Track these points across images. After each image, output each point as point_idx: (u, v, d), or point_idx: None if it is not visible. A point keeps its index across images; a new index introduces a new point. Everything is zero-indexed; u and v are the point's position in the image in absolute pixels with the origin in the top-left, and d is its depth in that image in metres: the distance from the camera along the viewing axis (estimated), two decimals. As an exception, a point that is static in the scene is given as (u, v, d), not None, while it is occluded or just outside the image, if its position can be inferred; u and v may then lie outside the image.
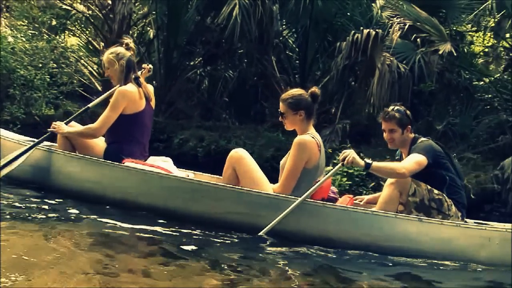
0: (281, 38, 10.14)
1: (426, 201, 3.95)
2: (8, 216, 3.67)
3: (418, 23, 7.55)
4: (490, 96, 9.16)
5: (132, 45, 4.72)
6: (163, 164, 4.48)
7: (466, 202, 4.15)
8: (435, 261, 3.72)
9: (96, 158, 4.42)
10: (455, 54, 7.57)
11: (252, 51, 9.85)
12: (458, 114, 8.90)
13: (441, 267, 3.69)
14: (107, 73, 4.71)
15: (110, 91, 4.76)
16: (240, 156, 4.13)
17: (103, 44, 11.11)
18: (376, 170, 3.93)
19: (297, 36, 10.06)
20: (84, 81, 10.84)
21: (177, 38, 9.99)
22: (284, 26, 10.38)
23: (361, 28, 7.72)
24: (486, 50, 10.45)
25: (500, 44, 9.77)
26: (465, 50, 9.70)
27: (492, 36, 10.01)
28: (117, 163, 4.30)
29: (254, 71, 10.52)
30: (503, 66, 10.06)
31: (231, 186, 4.07)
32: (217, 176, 4.76)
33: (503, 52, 9.77)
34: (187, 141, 8.90)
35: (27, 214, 3.79)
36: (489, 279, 3.60)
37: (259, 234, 3.86)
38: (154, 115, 8.52)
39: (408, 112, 4.22)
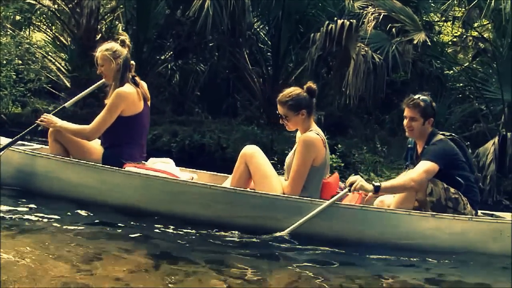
0: (252, 31, 9.93)
1: (443, 201, 3.84)
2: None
3: (393, 13, 7.44)
4: (461, 85, 9.16)
5: (128, 41, 4.36)
6: (164, 166, 4.23)
7: (479, 198, 4.07)
8: (448, 257, 3.71)
9: (94, 164, 4.09)
10: (429, 44, 7.49)
11: (224, 43, 9.62)
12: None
13: (454, 262, 3.68)
14: (100, 71, 4.31)
15: (89, 89, 4.50)
16: (252, 152, 3.99)
17: (70, 39, 10.74)
18: (385, 190, 3.82)
19: (269, 28, 9.87)
20: (52, 77, 10.46)
21: (147, 32, 9.69)
22: (256, 18, 10.16)
23: (335, 18, 7.57)
24: (455, 40, 10.45)
25: (469, 34, 9.77)
26: (435, 40, 9.67)
27: (460, 26, 10.01)
28: (119, 168, 4.02)
29: (226, 64, 10.30)
30: (470, 55, 10.08)
31: (242, 189, 3.91)
32: (216, 173, 4.66)
33: (471, 42, 9.76)
34: (161, 136, 8.64)
35: (9, 221, 3.56)
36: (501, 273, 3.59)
37: (280, 234, 3.73)
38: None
39: (433, 104, 4.03)
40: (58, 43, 11.25)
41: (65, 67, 10.56)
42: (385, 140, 7.98)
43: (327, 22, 7.48)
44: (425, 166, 3.81)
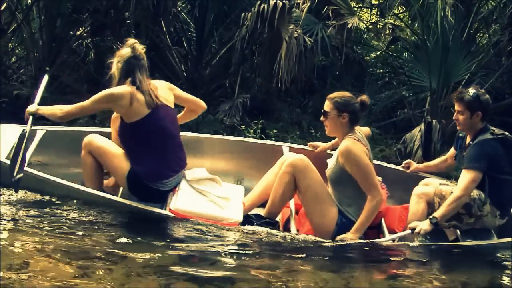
0: (175, 9, 9.01)
1: None
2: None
3: (328, -5, 6.92)
4: (381, 70, 8.89)
5: (137, 46, 4.12)
6: (211, 190, 3.76)
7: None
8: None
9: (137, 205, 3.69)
10: (363, 29, 7.04)
11: (145, 21, 8.63)
12: (351, 87, 8.51)
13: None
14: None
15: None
16: (305, 165, 3.54)
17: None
18: (443, 219, 3.58)
19: (192, 7, 9.00)
20: None
21: (60, 5, 8.47)
22: (179, -4, 9.25)
23: (267, -2, 6.89)
24: (370, 27, 10.19)
25: (386, 21, 9.49)
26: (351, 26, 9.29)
27: (378, 13, 9.71)
28: (164, 212, 3.55)
29: (144, 42, 9.29)
30: (383, 42, 9.83)
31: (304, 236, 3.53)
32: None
33: (390, 28, 9.49)
34: (78, 118, 7.56)
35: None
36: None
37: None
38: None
39: (484, 97, 3.75)
40: (-44, 13, 9.64)
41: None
42: (312, 124, 7.48)
43: (259, 2, 6.78)
44: (469, 177, 3.61)
